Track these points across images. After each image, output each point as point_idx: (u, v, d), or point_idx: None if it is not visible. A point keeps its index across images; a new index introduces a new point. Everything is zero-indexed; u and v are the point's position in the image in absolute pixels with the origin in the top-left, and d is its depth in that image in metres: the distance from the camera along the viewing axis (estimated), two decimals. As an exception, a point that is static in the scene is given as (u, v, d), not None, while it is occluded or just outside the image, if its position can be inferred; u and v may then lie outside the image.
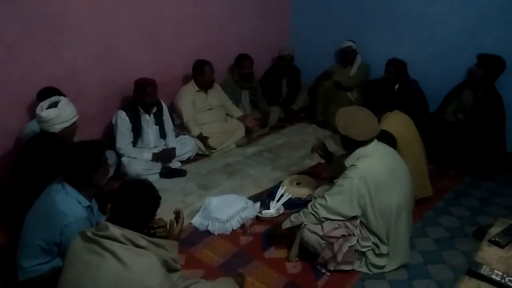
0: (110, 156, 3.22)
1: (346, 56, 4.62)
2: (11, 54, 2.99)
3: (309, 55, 5.09)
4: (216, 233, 2.72)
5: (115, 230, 1.49)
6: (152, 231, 1.80)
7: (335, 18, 4.90)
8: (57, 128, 2.37)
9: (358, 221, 2.30)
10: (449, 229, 2.81)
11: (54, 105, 2.38)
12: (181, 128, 3.99)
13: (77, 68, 3.40)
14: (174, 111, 3.97)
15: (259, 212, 2.89)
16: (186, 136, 3.89)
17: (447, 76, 4.02)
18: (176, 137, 3.81)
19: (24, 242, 2.02)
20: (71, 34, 3.28)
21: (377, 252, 2.32)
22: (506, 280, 1.67)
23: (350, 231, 2.27)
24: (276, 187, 3.18)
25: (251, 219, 2.79)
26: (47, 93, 2.79)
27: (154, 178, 3.37)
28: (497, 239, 1.96)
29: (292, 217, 2.42)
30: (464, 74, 3.94)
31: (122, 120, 3.32)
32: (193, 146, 3.82)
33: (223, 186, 3.38)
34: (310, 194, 3.05)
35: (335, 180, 2.37)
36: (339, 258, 2.26)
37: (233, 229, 2.74)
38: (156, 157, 3.50)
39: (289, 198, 3.02)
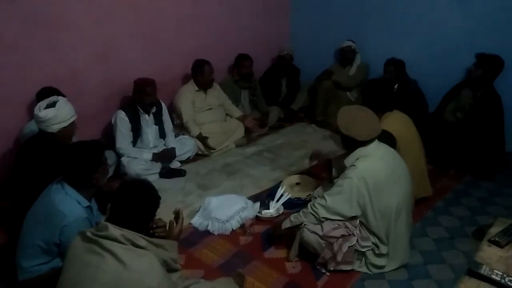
0: (110, 156, 3.22)
1: (345, 56, 4.62)
2: (11, 54, 2.98)
3: (308, 55, 5.10)
4: (215, 233, 2.72)
5: (114, 230, 1.49)
6: (151, 231, 1.80)
7: (334, 18, 4.90)
8: (55, 128, 2.37)
9: (358, 221, 2.30)
10: (449, 229, 2.81)
11: (52, 105, 2.37)
12: (181, 128, 3.99)
13: (77, 68, 3.39)
14: (174, 111, 3.97)
15: (258, 212, 2.89)
16: (186, 136, 3.89)
17: (447, 75, 4.02)
18: (175, 137, 3.81)
19: (23, 242, 2.02)
20: (71, 34, 3.28)
21: (376, 252, 2.32)
22: (506, 280, 1.67)
23: (350, 231, 2.27)
24: (276, 187, 3.19)
25: (251, 219, 2.79)
26: (46, 93, 2.79)
27: (153, 178, 3.37)
28: (497, 239, 1.96)
29: (292, 217, 2.42)
30: (463, 73, 3.94)
31: (122, 120, 3.32)
32: (192, 146, 3.82)
33: (222, 186, 3.38)
34: (309, 194, 3.05)
35: (335, 180, 2.37)
36: (339, 258, 2.26)
37: (232, 229, 2.74)
38: (156, 157, 3.50)
39: (289, 198, 3.02)
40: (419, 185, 2.90)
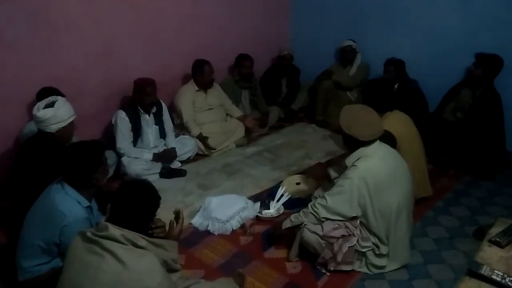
0: (110, 156, 3.22)
1: (346, 56, 4.62)
2: (11, 54, 2.98)
3: (308, 55, 5.09)
4: (216, 233, 2.72)
5: (115, 231, 1.49)
6: (150, 232, 1.80)
7: (334, 18, 4.90)
8: (53, 128, 2.36)
9: (358, 222, 2.29)
10: (449, 229, 2.81)
11: (51, 105, 2.37)
12: (181, 128, 3.98)
13: (77, 68, 3.39)
14: (174, 111, 3.97)
15: (259, 212, 2.88)
16: (186, 136, 3.89)
17: (447, 75, 4.02)
18: (176, 137, 3.81)
19: (23, 242, 2.02)
20: (71, 34, 3.28)
21: (377, 252, 2.31)
22: (507, 280, 1.66)
23: (350, 231, 2.27)
24: (276, 187, 3.18)
25: (251, 219, 2.79)
26: (46, 93, 2.78)
27: (154, 178, 3.37)
28: (497, 239, 1.95)
29: (292, 217, 2.41)
30: (463, 73, 3.94)
31: (122, 120, 3.32)
32: (193, 146, 3.82)
33: (223, 186, 3.38)
34: (310, 194, 3.05)
35: (335, 180, 2.37)
36: (339, 258, 2.25)
37: (233, 229, 2.74)
38: (157, 157, 3.50)
39: (289, 198, 3.02)
40: (419, 185, 2.90)
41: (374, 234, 2.28)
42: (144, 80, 3.35)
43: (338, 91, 4.63)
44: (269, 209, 2.95)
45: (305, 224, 2.32)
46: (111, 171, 3.24)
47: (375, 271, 2.35)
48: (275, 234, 2.57)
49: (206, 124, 4.02)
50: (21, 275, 2.01)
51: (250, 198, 3.10)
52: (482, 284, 1.68)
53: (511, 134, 3.66)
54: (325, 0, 4.93)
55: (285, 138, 4.42)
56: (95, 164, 1.99)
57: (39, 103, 2.40)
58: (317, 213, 2.28)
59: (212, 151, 3.95)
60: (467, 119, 3.61)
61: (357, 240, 2.27)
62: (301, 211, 2.38)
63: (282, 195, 3.02)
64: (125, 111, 3.33)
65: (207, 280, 2.10)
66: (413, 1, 4.22)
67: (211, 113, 4.10)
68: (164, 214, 1.92)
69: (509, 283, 1.65)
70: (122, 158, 3.36)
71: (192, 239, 2.67)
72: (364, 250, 2.30)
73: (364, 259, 2.35)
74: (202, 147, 3.91)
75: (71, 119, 2.45)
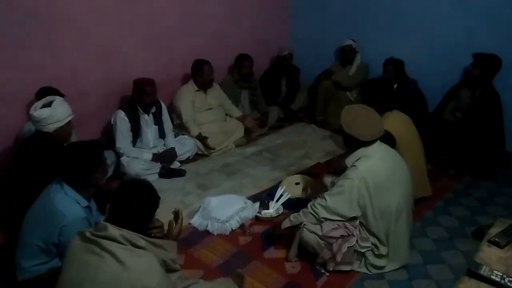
0: (109, 155, 3.22)
1: (346, 55, 4.62)
2: (11, 54, 2.98)
3: (308, 55, 5.10)
4: (215, 233, 2.71)
5: (114, 231, 1.49)
6: (148, 232, 1.79)
7: (334, 18, 4.90)
8: (51, 127, 2.36)
9: (358, 222, 2.29)
10: (448, 229, 2.81)
11: (48, 105, 2.37)
12: (180, 128, 3.98)
13: (77, 68, 3.39)
14: (173, 111, 3.97)
15: (258, 212, 2.88)
16: (185, 136, 3.89)
17: (446, 75, 4.02)
18: (175, 137, 3.81)
19: (22, 242, 2.01)
20: (71, 34, 3.28)
21: (376, 253, 2.31)
22: (506, 280, 1.66)
23: (350, 231, 2.26)
24: (276, 187, 3.18)
25: (251, 219, 2.79)
26: (46, 92, 2.78)
27: (153, 178, 3.37)
28: (496, 239, 1.95)
29: (292, 216, 2.41)
30: (463, 73, 3.94)
31: (121, 120, 3.32)
32: (192, 146, 3.82)
33: (222, 186, 3.38)
34: (312, 185, 3.05)
35: (335, 180, 2.36)
36: (338, 258, 2.25)
37: (232, 229, 2.74)
38: (157, 158, 3.50)
39: (288, 198, 3.01)
40: (419, 185, 2.90)
41: (374, 235, 2.28)
42: (143, 80, 3.35)
43: (337, 91, 4.63)
44: (268, 209, 2.95)
45: (304, 224, 2.31)
46: (110, 171, 3.23)
47: (375, 271, 2.34)
48: (275, 234, 2.56)
49: (206, 124, 4.02)
50: (20, 275, 2.01)
51: (249, 198, 3.10)
52: (481, 284, 1.68)
53: (510, 134, 3.66)
54: (325, 0, 4.93)
55: (285, 138, 4.42)
56: (94, 164, 1.99)
57: (36, 102, 2.40)
58: (316, 213, 2.28)
59: (212, 151, 3.95)
60: (467, 119, 3.61)
61: (356, 240, 2.26)
62: (300, 211, 2.38)
63: (281, 195, 3.02)
64: (124, 111, 3.33)
65: (206, 280, 2.10)
66: (412, 1, 4.22)
67: (210, 113, 4.09)
68: (164, 214, 1.92)
69: (508, 283, 1.65)
70: (121, 158, 3.36)
71: (191, 239, 2.67)
72: (363, 250, 2.30)
73: (363, 259, 2.35)
74: (202, 147, 3.91)
75: (68, 119, 2.45)
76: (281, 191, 3.06)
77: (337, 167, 2.92)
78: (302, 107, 5.02)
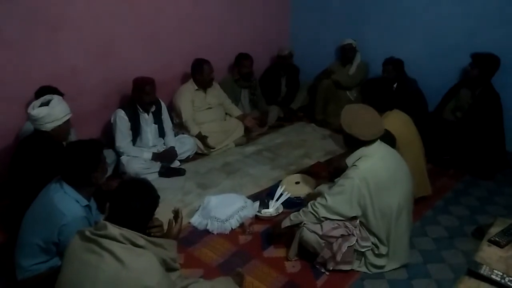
0: (109, 155, 3.22)
1: (346, 54, 4.62)
2: (11, 53, 2.98)
3: (308, 54, 5.09)
4: (215, 232, 2.71)
5: (113, 230, 1.49)
6: (148, 231, 1.79)
7: (334, 17, 4.90)
8: (49, 126, 2.36)
9: (358, 221, 2.29)
10: (448, 229, 2.81)
11: (46, 103, 2.36)
12: (180, 127, 3.98)
13: (77, 67, 3.39)
14: (173, 110, 3.97)
15: (258, 211, 2.88)
16: (185, 135, 3.88)
17: (446, 75, 4.02)
18: (175, 136, 3.80)
19: (22, 242, 2.01)
20: (71, 34, 3.27)
21: (376, 252, 2.31)
22: (506, 280, 1.66)
23: (350, 231, 2.26)
24: (275, 186, 3.18)
25: (250, 218, 2.79)
26: (45, 92, 2.77)
27: (153, 177, 3.37)
28: (496, 239, 1.95)
29: (292, 216, 2.41)
30: (463, 73, 3.94)
31: (121, 119, 3.32)
32: (192, 145, 3.82)
33: (222, 185, 3.37)
34: (309, 193, 3.04)
35: (335, 180, 2.36)
36: (338, 257, 2.25)
37: (232, 228, 2.74)
38: (157, 157, 3.49)
39: (288, 197, 3.01)
40: (419, 184, 2.89)
41: (374, 234, 2.28)
42: (143, 79, 3.35)
43: (337, 90, 4.63)
44: (268, 208, 2.95)
45: (304, 223, 2.31)
46: (110, 170, 3.23)
47: (375, 270, 2.34)
48: (274, 233, 2.56)
49: (206, 123, 4.02)
50: (20, 274, 2.00)
51: (249, 197, 3.10)
52: (482, 283, 1.68)
53: (510, 134, 3.66)
54: (325, 0, 4.92)
55: (285, 138, 4.41)
56: (94, 163, 1.98)
57: (34, 101, 2.40)
58: (316, 213, 2.27)
59: (212, 150, 3.95)
60: (467, 118, 3.61)
61: (357, 240, 2.26)
62: (300, 210, 2.38)
63: (281, 194, 3.03)
64: (124, 110, 3.33)
65: (206, 279, 2.09)
66: (412, 1, 4.22)
67: (210, 112, 4.09)
68: (163, 213, 1.92)
69: (509, 282, 1.65)
70: (121, 157, 3.36)
71: (191, 238, 2.66)
72: (363, 250, 2.30)
73: (363, 258, 2.35)
74: (201, 146, 3.91)
75: (66, 118, 2.44)
76: (281, 190, 3.06)
77: (337, 167, 2.91)
78: (302, 107, 5.02)
